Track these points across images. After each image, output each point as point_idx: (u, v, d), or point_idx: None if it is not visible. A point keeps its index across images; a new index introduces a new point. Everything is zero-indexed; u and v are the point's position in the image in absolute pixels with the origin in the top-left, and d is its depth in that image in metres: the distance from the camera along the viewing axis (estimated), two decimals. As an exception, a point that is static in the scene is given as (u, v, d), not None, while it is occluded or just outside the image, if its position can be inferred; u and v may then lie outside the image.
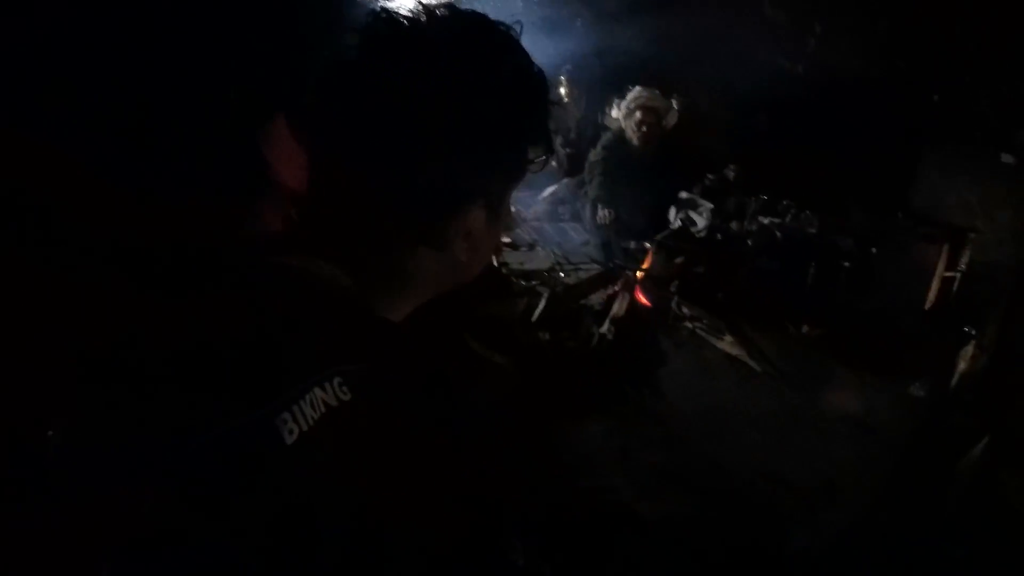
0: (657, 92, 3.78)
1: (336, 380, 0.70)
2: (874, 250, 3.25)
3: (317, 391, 0.67)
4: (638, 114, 3.73)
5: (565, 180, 4.38)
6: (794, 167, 3.46)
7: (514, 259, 3.90)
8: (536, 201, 4.42)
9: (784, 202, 3.47)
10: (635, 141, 3.75)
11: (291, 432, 0.64)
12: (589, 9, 3.51)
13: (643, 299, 3.26)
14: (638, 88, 3.77)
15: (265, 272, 0.78)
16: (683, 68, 3.72)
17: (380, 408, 0.73)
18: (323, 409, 0.67)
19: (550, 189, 4.39)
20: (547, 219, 4.31)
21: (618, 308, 3.21)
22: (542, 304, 3.27)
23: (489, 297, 3.34)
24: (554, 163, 4.59)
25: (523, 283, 3.63)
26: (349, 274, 0.80)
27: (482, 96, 0.83)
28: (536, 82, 0.90)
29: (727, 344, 2.99)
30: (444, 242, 0.82)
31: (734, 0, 3.41)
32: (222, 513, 0.60)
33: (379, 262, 0.83)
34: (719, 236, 3.51)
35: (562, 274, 3.68)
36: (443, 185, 0.81)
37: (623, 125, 3.81)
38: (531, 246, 4.07)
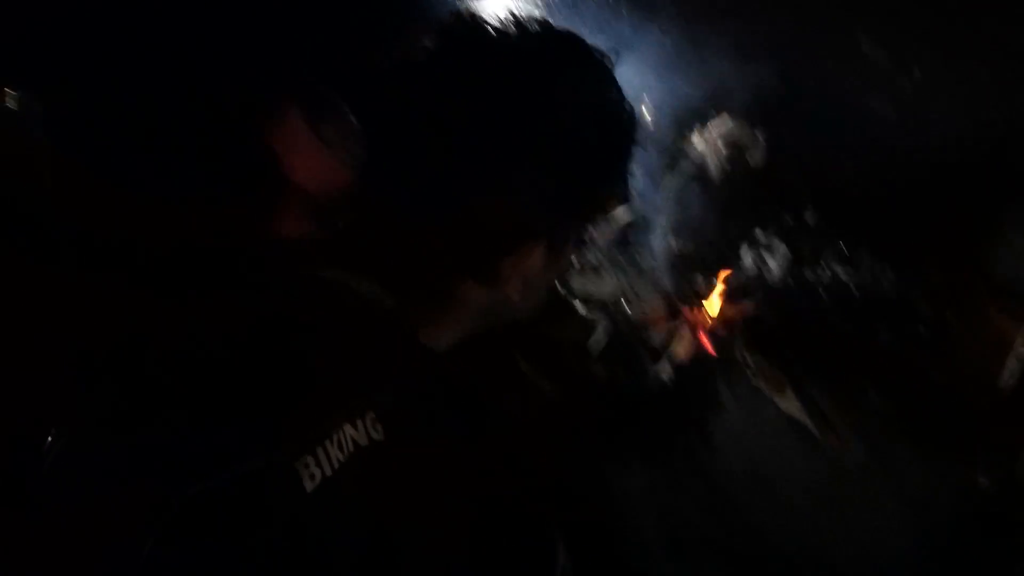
0: (744, 124, 3.67)
1: (370, 416, 0.66)
2: (950, 316, 3.10)
3: (348, 428, 0.64)
4: (721, 145, 3.62)
5: (640, 206, 4.30)
6: (875, 216, 3.31)
7: (577, 281, 3.85)
8: (607, 222, 4.35)
9: (861, 253, 3.33)
10: (715, 173, 3.65)
11: (312, 477, 0.60)
12: (675, 31, 3.41)
13: (706, 341, 3.18)
14: (724, 117, 3.66)
15: (298, 284, 0.74)
16: (770, 101, 3.59)
17: (413, 447, 0.70)
18: (351, 449, 0.63)
19: (623, 213, 4.31)
20: (617, 242, 4.23)
21: (678, 348, 3.15)
22: (599, 334, 3.22)
23: (545, 317, 3.30)
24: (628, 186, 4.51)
25: (583, 308, 3.58)
26: (392, 295, 0.76)
27: (565, 126, 0.77)
28: (626, 121, 0.85)
29: (788, 402, 2.90)
30: (496, 279, 0.78)
31: (828, 34, 3.26)
32: (231, 558, 0.56)
33: (425, 288, 0.78)
34: (791, 282, 3.40)
35: (625, 303, 3.61)
36: (506, 219, 0.76)
37: (704, 154, 3.72)
38: (597, 269, 4.01)
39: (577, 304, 3.63)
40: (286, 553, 0.57)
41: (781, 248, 3.48)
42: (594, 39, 0.83)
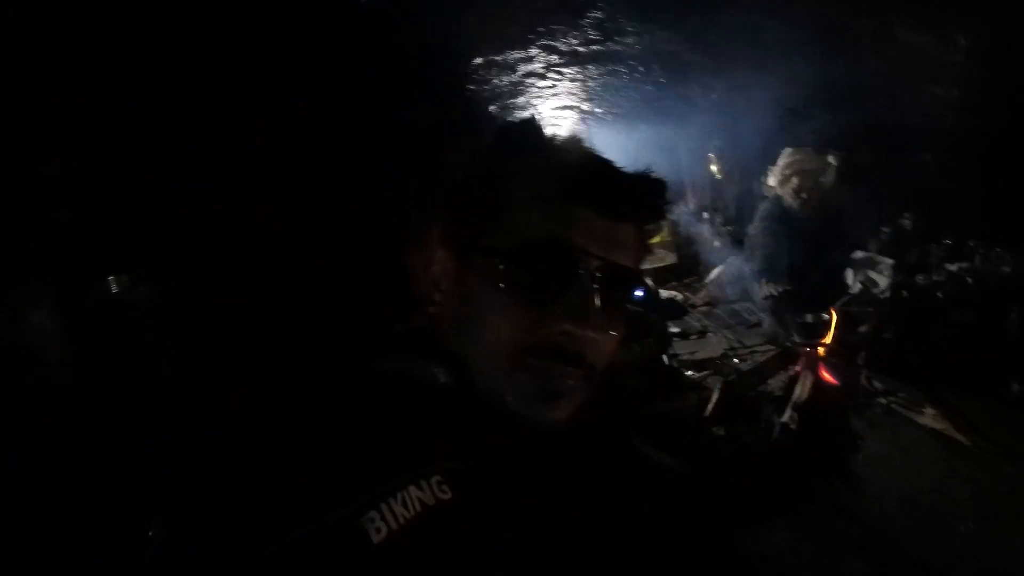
0: (810, 150, 3.57)
1: (435, 479, 0.71)
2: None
3: (412, 489, 0.69)
4: (794, 179, 3.53)
5: (730, 259, 4.20)
6: (973, 202, 3.08)
7: (684, 349, 3.76)
8: (703, 285, 4.27)
9: (970, 243, 3.09)
10: (795, 207, 3.54)
11: (379, 531, 0.66)
12: (720, 84, 3.42)
13: (828, 377, 3.00)
14: (789, 151, 3.58)
15: (380, 376, 0.81)
16: (831, 120, 3.49)
17: (482, 508, 0.74)
18: (418, 508, 0.68)
19: (716, 271, 4.23)
20: (716, 302, 4.13)
21: (801, 391, 2.98)
22: (715, 396, 3.10)
23: (657, 393, 3.22)
24: (717, 243, 4.43)
25: (694, 374, 3.48)
26: (442, 366, 0.81)
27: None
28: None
29: (929, 418, 2.67)
30: (413, 283, 0.84)
31: (861, 34, 3.16)
32: None
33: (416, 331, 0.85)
34: (905, 294, 3.18)
35: (736, 360, 3.49)
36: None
37: (780, 192, 3.62)
38: (701, 333, 3.91)
39: (688, 372, 3.53)
40: None
41: (886, 261, 3.28)
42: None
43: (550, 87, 3.65)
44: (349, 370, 0.82)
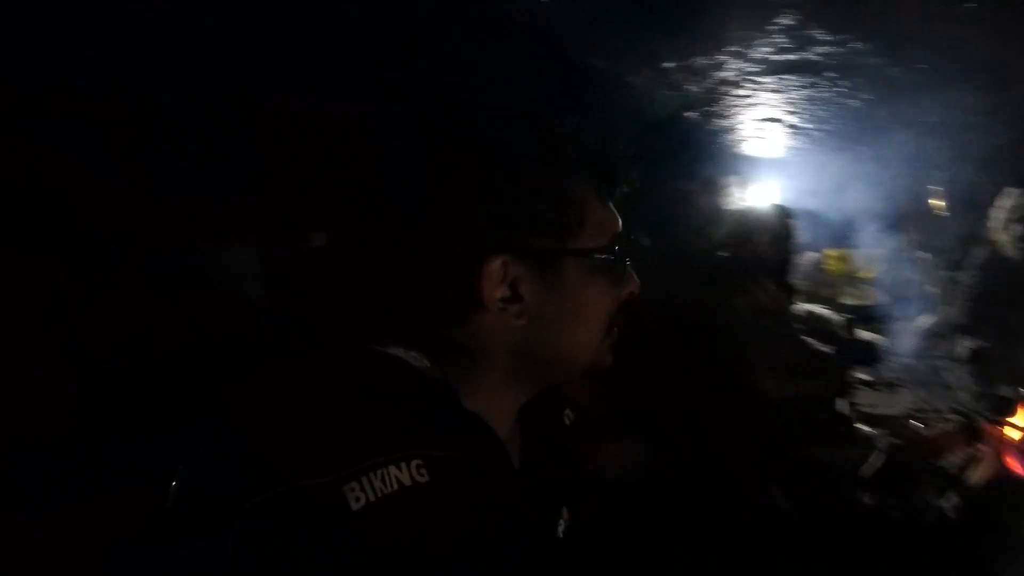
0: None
1: (415, 462, 0.76)
2: None
3: (392, 468, 0.75)
4: (1017, 225, 3.00)
5: (942, 307, 3.68)
6: None
7: (866, 399, 3.37)
8: (907, 333, 3.78)
9: None
10: (1018, 257, 3.01)
11: (358, 500, 0.72)
12: (937, 107, 3.00)
13: (1016, 466, 2.53)
14: (1016, 192, 3.05)
15: (368, 359, 0.88)
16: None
17: (460, 497, 0.79)
18: (395, 486, 0.74)
19: (924, 319, 3.72)
20: (918, 355, 3.64)
21: (975, 474, 2.53)
22: (878, 459, 2.74)
23: (817, 439, 2.91)
24: (930, 288, 3.90)
25: (867, 429, 3.09)
26: (428, 356, 0.88)
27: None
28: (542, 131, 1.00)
29: None
30: (479, 302, 0.88)
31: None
32: (289, 556, 0.69)
33: (443, 338, 0.90)
34: None
35: (917, 423, 3.05)
36: (452, 235, 0.89)
37: (1000, 238, 3.10)
38: (891, 385, 3.47)
39: (862, 425, 3.15)
40: (332, 559, 0.70)
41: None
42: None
43: (748, 96, 3.39)
44: (347, 353, 0.89)
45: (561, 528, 1.05)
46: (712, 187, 3.66)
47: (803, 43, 2.54)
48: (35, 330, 1.40)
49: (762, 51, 2.77)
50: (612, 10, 2.63)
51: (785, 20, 2.44)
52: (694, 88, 3.37)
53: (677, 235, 3.60)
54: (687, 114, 3.69)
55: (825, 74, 2.83)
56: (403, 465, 0.75)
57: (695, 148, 3.85)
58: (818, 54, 2.62)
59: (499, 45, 2.58)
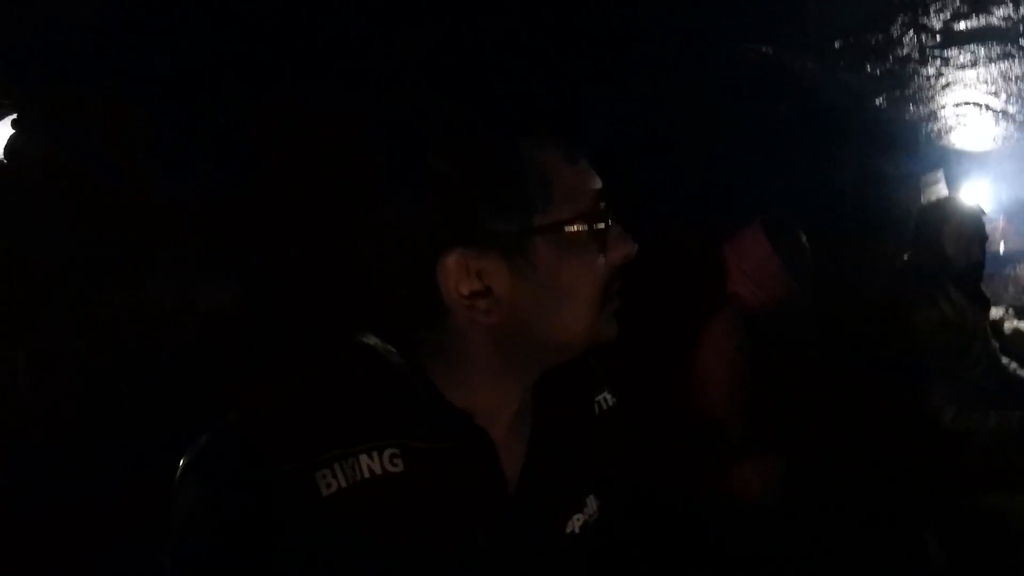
0: None
1: (389, 451, 0.79)
2: None
3: (363, 457, 0.77)
4: None
5: None
6: None
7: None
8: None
9: None
10: None
11: (329, 486, 0.75)
12: None
13: None
14: None
15: (350, 352, 0.87)
16: None
17: (432, 488, 0.80)
18: (366, 475, 0.77)
19: None
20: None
21: None
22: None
23: (999, 484, 2.45)
24: None
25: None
26: (404, 351, 0.86)
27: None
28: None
29: None
30: (442, 302, 0.82)
31: None
32: (248, 544, 0.72)
33: (417, 337, 0.86)
34: None
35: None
36: (406, 233, 0.82)
37: None
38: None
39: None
40: (303, 541, 0.73)
41: None
42: None
43: (936, 75, 2.93)
44: (331, 348, 0.88)
45: (577, 522, 0.97)
46: (893, 181, 3.20)
47: (980, 3, 2.12)
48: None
49: (938, 18, 2.35)
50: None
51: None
52: (871, 69, 2.96)
53: (849, 236, 3.19)
54: (868, 99, 3.25)
55: (1019, 42, 2.34)
56: (375, 454, 0.78)
57: (874, 138, 3.39)
58: (999, 17, 2.16)
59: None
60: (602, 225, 0.85)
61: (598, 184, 0.88)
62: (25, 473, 1.27)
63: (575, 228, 0.84)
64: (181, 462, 0.78)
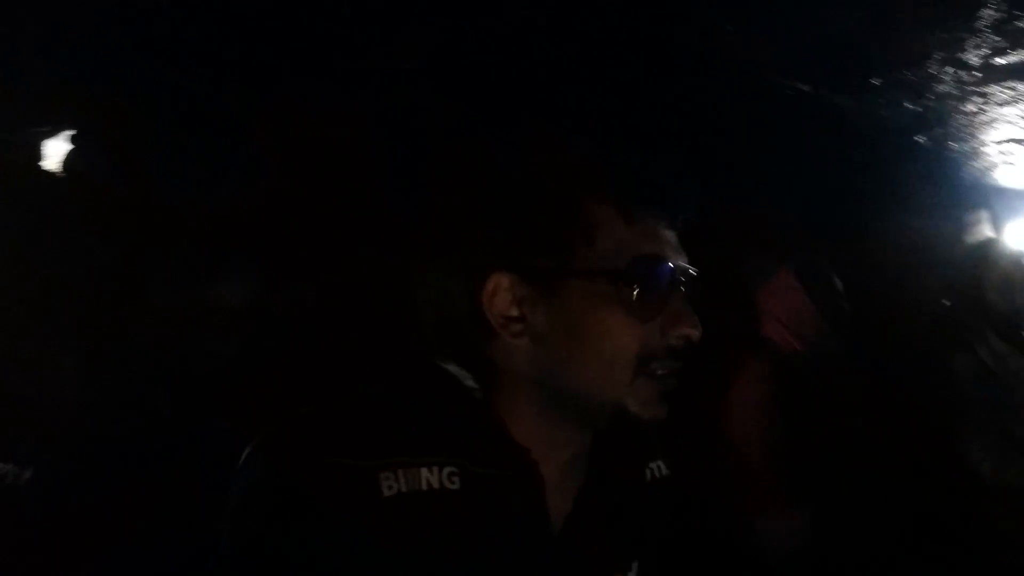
0: None
1: (448, 470, 0.84)
2: None
3: (424, 471, 0.82)
4: None
5: None
6: None
7: None
8: None
9: None
10: None
11: (390, 488, 0.80)
12: None
13: None
14: None
15: (424, 374, 0.94)
16: None
17: (484, 512, 0.83)
18: (424, 487, 0.81)
19: None
20: None
21: None
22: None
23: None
24: None
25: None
26: (471, 375, 0.91)
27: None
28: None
29: None
30: (486, 321, 0.88)
31: None
32: (303, 526, 0.77)
33: (472, 358, 0.92)
34: None
35: None
36: (457, 252, 0.89)
37: None
38: None
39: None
40: (358, 534, 0.78)
41: None
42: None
43: (978, 112, 2.83)
44: (407, 367, 0.95)
45: None
46: (934, 223, 3.10)
47: (1019, 39, 2.05)
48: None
49: (977, 53, 2.28)
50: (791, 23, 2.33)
51: (990, 12, 1.99)
52: (911, 106, 2.89)
53: (886, 279, 3.10)
54: (912, 137, 3.17)
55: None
56: (435, 469, 0.83)
57: (915, 177, 3.30)
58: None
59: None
60: (636, 289, 0.86)
61: (662, 252, 0.90)
62: (72, 475, 1.29)
63: (611, 281, 0.87)
64: (252, 443, 0.84)
